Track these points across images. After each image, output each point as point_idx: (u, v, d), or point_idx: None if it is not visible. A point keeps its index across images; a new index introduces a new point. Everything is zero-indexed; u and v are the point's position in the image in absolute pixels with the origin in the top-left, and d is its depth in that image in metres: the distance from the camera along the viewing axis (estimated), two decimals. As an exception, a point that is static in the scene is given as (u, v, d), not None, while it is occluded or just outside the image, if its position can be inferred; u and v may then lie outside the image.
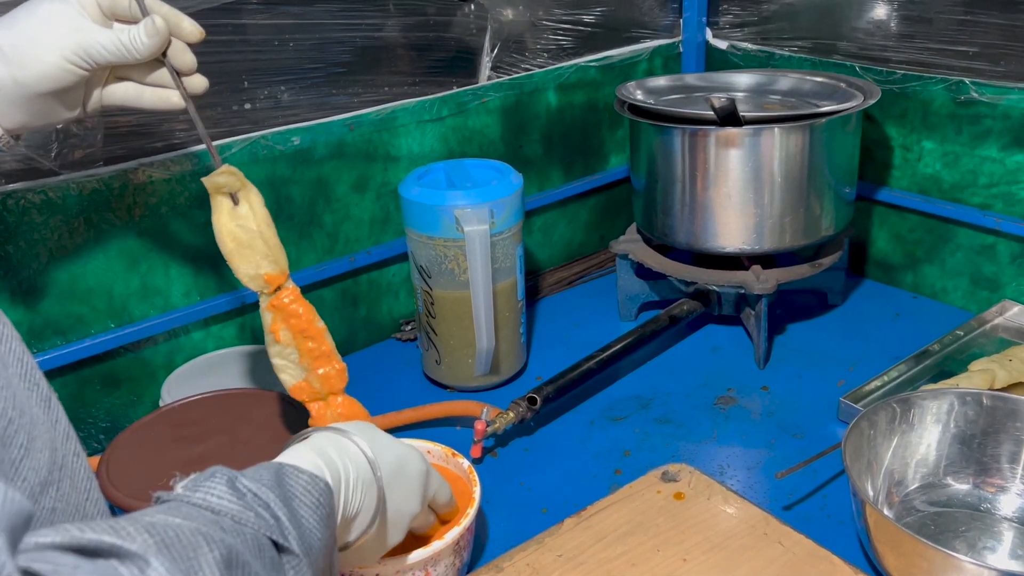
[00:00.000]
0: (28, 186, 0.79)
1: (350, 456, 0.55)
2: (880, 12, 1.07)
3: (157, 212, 0.87)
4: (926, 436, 0.76)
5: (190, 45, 0.65)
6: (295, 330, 0.65)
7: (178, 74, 0.64)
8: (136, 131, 0.84)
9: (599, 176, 1.24)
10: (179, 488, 0.45)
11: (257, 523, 0.44)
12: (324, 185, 0.98)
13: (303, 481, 0.49)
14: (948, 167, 1.05)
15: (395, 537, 0.60)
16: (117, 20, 0.63)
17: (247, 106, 0.91)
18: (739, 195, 0.95)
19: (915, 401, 0.76)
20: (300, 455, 0.53)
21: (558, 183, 1.20)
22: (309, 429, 0.58)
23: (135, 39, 0.61)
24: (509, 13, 1.08)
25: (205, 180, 0.63)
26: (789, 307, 1.10)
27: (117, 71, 0.65)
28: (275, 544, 0.45)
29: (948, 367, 0.94)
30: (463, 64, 1.06)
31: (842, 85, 1.04)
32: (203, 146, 0.88)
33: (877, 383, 0.90)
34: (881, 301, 1.12)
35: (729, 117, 0.91)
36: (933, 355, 0.96)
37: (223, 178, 0.63)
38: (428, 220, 0.88)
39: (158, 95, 0.66)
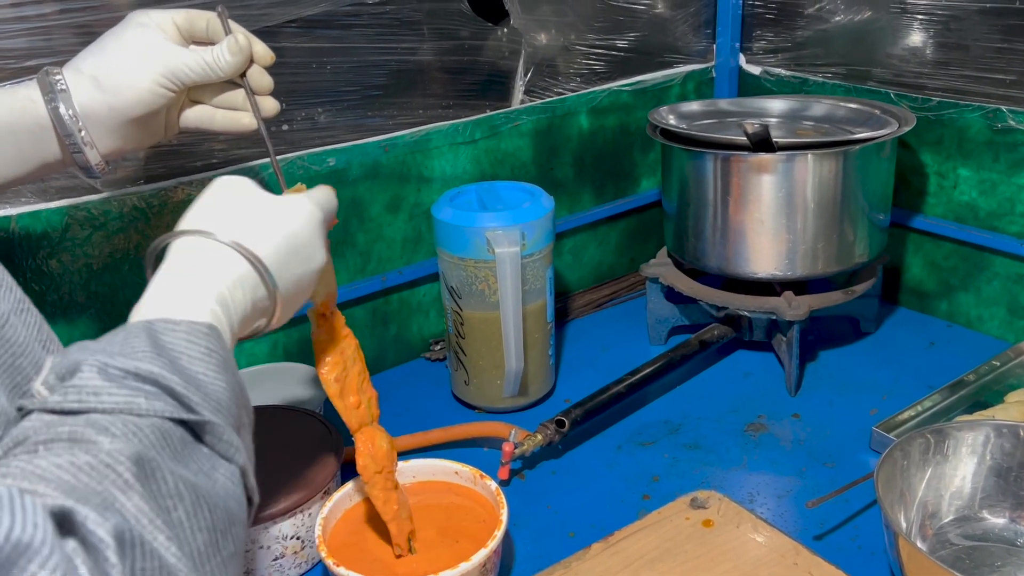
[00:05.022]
0: (72, 203, 0.81)
1: (228, 271, 0.49)
2: (915, 39, 1.07)
3: (194, 230, 0.89)
4: (961, 468, 0.75)
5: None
6: (350, 351, 0.65)
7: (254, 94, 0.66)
8: (176, 150, 0.86)
9: (630, 199, 1.24)
10: (43, 390, 0.39)
11: (149, 407, 0.39)
12: (358, 205, 0.99)
13: (182, 335, 0.43)
14: (985, 195, 1.04)
15: (306, 291, 0.55)
16: (193, 42, 0.64)
17: (284, 127, 0.92)
18: (772, 221, 0.95)
19: (950, 432, 0.75)
20: (168, 297, 0.46)
21: (589, 206, 1.20)
22: (164, 238, 0.50)
23: (219, 58, 0.62)
24: (543, 37, 1.09)
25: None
26: (821, 334, 1.09)
27: (192, 93, 0.66)
28: (182, 422, 0.40)
29: (984, 398, 0.92)
30: (496, 87, 1.08)
31: (876, 112, 1.03)
32: (242, 165, 0.90)
33: (911, 412, 0.89)
34: (915, 329, 1.10)
35: (762, 143, 0.91)
36: (968, 385, 0.94)
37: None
38: (460, 241, 0.88)
39: (229, 117, 0.67)
